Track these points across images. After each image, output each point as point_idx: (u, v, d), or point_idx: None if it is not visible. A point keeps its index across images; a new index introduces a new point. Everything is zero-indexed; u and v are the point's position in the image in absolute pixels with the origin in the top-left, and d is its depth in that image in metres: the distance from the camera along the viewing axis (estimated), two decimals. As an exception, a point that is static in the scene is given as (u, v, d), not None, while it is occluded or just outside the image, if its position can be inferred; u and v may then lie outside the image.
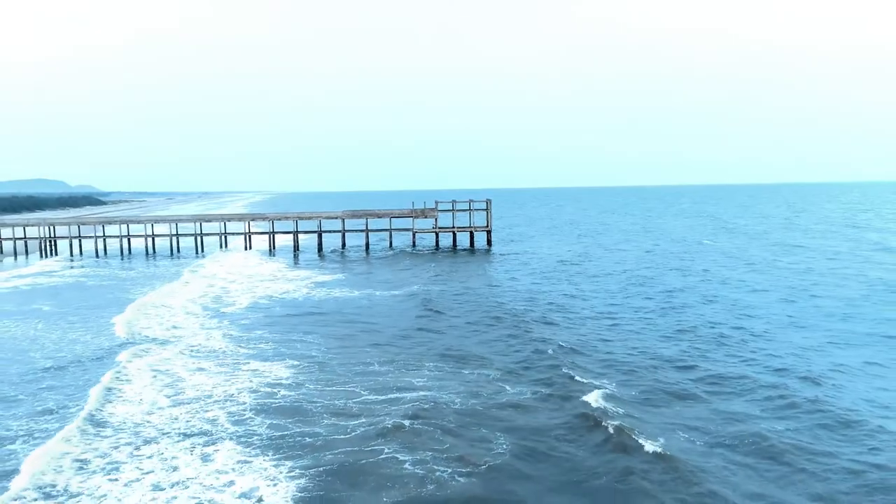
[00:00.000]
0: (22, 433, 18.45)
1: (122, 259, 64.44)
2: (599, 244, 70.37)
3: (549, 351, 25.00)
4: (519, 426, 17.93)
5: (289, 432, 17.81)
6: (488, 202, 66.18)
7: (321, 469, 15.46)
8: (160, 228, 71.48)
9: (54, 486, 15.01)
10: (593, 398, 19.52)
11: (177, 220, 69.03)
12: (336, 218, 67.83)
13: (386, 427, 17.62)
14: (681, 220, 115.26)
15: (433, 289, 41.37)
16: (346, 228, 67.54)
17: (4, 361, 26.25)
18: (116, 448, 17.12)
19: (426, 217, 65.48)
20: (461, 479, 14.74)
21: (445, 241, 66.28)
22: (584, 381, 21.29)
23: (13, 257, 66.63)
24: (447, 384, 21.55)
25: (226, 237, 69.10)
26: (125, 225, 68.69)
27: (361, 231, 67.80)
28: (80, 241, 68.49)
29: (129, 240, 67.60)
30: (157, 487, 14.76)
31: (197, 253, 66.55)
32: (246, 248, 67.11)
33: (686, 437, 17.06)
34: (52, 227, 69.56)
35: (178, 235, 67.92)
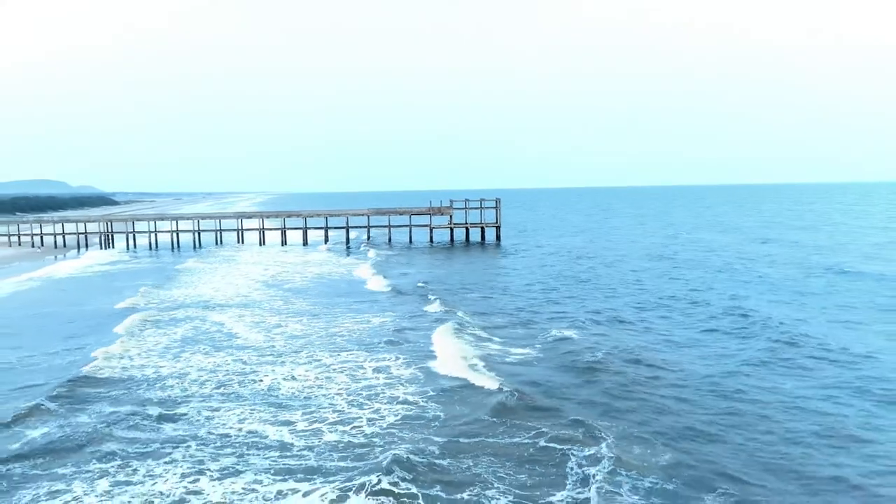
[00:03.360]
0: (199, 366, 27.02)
1: (172, 250, 72.95)
2: (571, 240, 79.15)
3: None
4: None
5: (400, 345, 26.62)
6: (497, 201, 74.78)
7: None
8: (204, 224, 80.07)
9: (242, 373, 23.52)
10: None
11: (220, 217, 77.73)
12: (362, 215, 76.60)
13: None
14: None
15: (453, 271, 50.10)
16: (370, 224, 76.26)
17: (150, 321, 34.90)
18: (264, 357, 25.64)
19: (442, 214, 74.08)
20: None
21: (459, 236, 74.82)
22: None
23: (76, 249, 75.24)
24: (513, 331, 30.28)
25: (263, 232, 77.56)
26: (174, 221, 77.33)
27: (384, 227, 76.50)
28: (134, 235, 77.20)
29: (177, 234, 76.22)
30: (308, 369, 23.42)
31: (238, 244, 75.17)
32: (283, 243, 75.68)
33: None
34: (109, 223, 78.27)
35: (221, 231, 76.67)
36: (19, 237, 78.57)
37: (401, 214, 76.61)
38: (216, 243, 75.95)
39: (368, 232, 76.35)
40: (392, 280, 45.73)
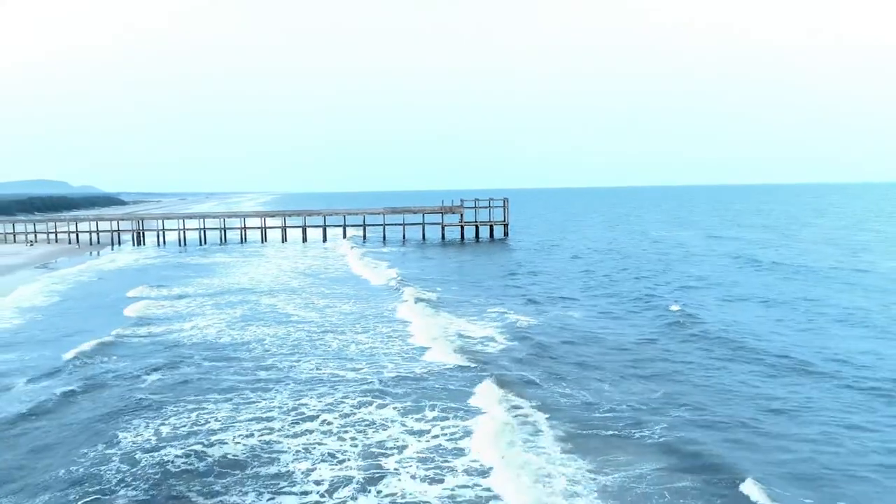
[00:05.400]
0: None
1: (200, 246, 77.79)
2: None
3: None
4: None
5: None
6: (505, 200, 79.86)
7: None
8: (229, 222, 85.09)
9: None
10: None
11: (244, 216, 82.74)
12: (378, 213, 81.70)
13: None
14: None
15: (464, 264, 55.22)
16: (386, 223, 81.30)
17: (208, 304, 39.85)
18: (324, 328, 30.55)
19: (454, 213, 79.05)
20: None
21: (470, 233, 79.77)
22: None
23: (109, 246, 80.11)
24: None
25: (285, 230, 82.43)
26: (201, 220, 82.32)
27: (399, 225, 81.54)
28: (164, 233, 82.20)
29: (204, 232, 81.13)
30: (367, 337, 28.42)
31: (262, 242, 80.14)
32: (303, 240, 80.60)
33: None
34: (140, 221, 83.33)
35: (245, 228, 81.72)
36: (56, 234, 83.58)
37: (414, 213, 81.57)
38: (241, 241, 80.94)
39: (384, 230, 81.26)
40: (406, 271, 50.43)
